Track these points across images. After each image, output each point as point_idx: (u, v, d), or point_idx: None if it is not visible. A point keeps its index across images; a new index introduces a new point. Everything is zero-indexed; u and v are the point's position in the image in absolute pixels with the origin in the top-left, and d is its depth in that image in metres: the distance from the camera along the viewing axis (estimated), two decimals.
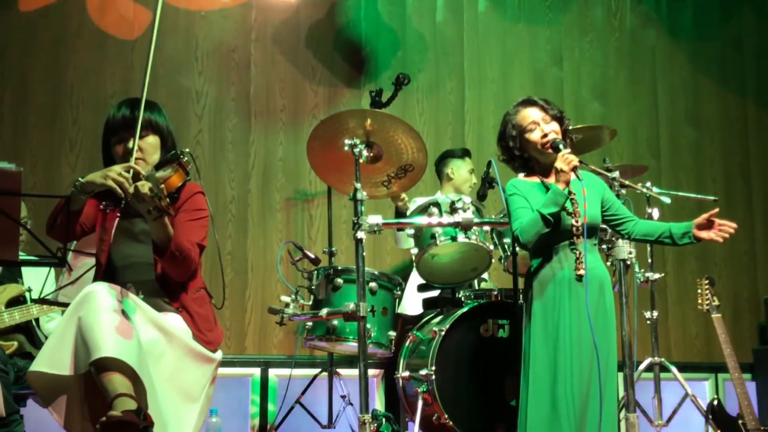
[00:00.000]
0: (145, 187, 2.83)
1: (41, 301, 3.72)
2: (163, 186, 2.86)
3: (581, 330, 3.34)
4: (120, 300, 2.80)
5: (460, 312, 4.01)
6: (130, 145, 3.10)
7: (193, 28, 5.69)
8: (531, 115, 3.53)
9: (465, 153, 5.28)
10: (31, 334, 4.13)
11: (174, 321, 3.02)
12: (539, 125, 3.50)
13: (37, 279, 4.15)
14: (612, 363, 3.43)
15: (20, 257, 3.12)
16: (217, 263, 4.08)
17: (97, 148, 5.26)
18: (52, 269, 4.02)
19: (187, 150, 3.11)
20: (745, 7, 6.95)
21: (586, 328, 3.32)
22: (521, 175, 3.65)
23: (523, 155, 3.57)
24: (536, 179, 3.55)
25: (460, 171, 5.19)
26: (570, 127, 3.63)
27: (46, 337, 3.84)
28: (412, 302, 4.89)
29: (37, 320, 4.17)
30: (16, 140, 5.27)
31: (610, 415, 3.38)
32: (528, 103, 3.57)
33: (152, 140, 3.16)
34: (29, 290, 4.17)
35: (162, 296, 3.08)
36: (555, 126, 3.52)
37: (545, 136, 3.48)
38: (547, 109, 3.54)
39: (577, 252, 3.32)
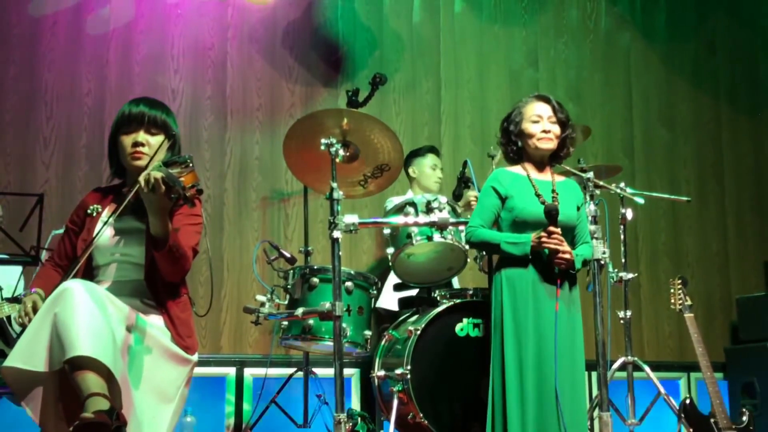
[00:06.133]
0: (157, 174, 2.81)
1: (14, 300, 3.70)
2: (182, 179, 2.84)
3: (547, 327, 3.41)
4: (97, 298, 2.78)
5: (435, 311, 4.02)
6: (140, 138, 3.10)
7: (169, 26, 5.66)
8: (539, 108, 3.62)
9: (428, 150, 5.31)
10: (3, 332, 4.10)
11: (154, 321, 3.00)
12: (542, 120, 3.58)
13: (7, 277, 4.12)
14: (580, 359, 3.47)
15: None
16: (196, 268, 4.05)
17: (70, 145, 5.33)
18: (22, 267, 4.00)
19: (191, 156, 3.09)
20: (718, 9, 7.02)
21: (551, 325, 3.39)
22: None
23: (517, 142, 3.65)
24: (523, 173, 3.63)
25: (422, 168, 5.21)
26: (572, 136, 3.71)
27: (18, 335, 3.82)
28: (388, 298, 4.91)
29: (8, 318, 4.13)
30: None
31: (580, 410, 3.43)
32: (542, 98, 3.68)
33: (160, 139, 3.14)
34: (0, 289, 4.14)
35: (145, 297, 3.05)
36: (557, 129, 3.62)
37: (545, 132, 3.57)
38: (557, 111, 3.64)
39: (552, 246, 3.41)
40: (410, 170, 5.24)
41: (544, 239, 3.42)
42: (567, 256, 3.43)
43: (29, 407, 2.78)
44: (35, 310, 2.87)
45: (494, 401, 3.44)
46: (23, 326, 2.82)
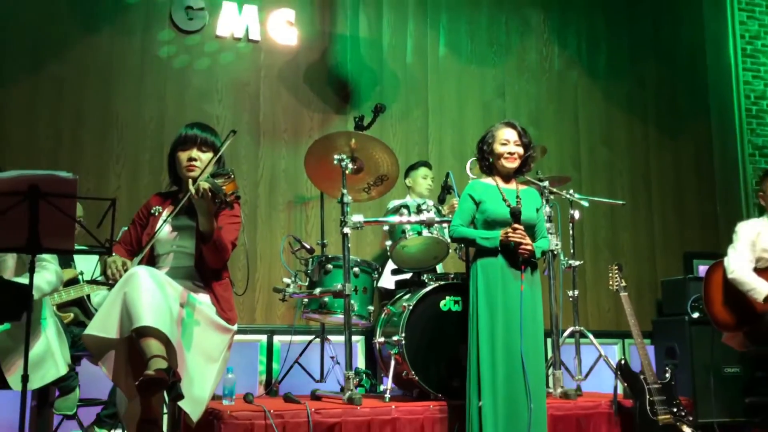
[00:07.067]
0: (205, 184, 2.83)
1: (92, 282, 3.69)
2: (225, 187, 2.87)
3: (514, 304, 3.40)
4: (158, 280, 2.77)
5: (424, 291, 4.01)
6: (193, 154, 3.11)
7: (215, 66, 5.65)
8: (507, 134, 3.60)
9: (421, 164, 5.32)
10: (84, 307, 4.10)
11: (202, 298, 3.00)
12: (509, 144, 3.57)
13: (86, 263, 4.13)
14: (539, 329, 3.45)
15: (75, 247, 3.09)
16: (235, 257, 4.05)
17: (136, 160, 5.31)
18: (99, 256, 4.00)
19: (233, 169, 3.08)
20: (647, 54, 7.01)
21: (517, 302, 3.38)
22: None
23: (489, 158, 3.62)
24: (494, 183, 3.61)
25: (415, 178, 5.23)
26: (533, 155, 3.70)
27: (96, 310, 3.81)
28: (387, 280, 4.91)
29: (88, 296, 4.13)
30: (73, 154, 5.20)
31: (540, 369, 3.41)
32: (510, 125, 3.65)
33: (209, 156, 3.15)
34: (81, 273, 4.14)
35: (195, 279, 3.06)
36: (521, 150, 3.60)
37: (511, 153, 3.57)
38: (522, 136, 3.62)
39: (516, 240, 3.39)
40: (407, 181, 5.25)
41: (510, 234, 3.40)
42: (528, 247, 3.42)
43: (104, 366, 2.79)
44: (125, 268, 2.85)
45: (471, 362, 3.42)
46: (115, 281, 2.81)
